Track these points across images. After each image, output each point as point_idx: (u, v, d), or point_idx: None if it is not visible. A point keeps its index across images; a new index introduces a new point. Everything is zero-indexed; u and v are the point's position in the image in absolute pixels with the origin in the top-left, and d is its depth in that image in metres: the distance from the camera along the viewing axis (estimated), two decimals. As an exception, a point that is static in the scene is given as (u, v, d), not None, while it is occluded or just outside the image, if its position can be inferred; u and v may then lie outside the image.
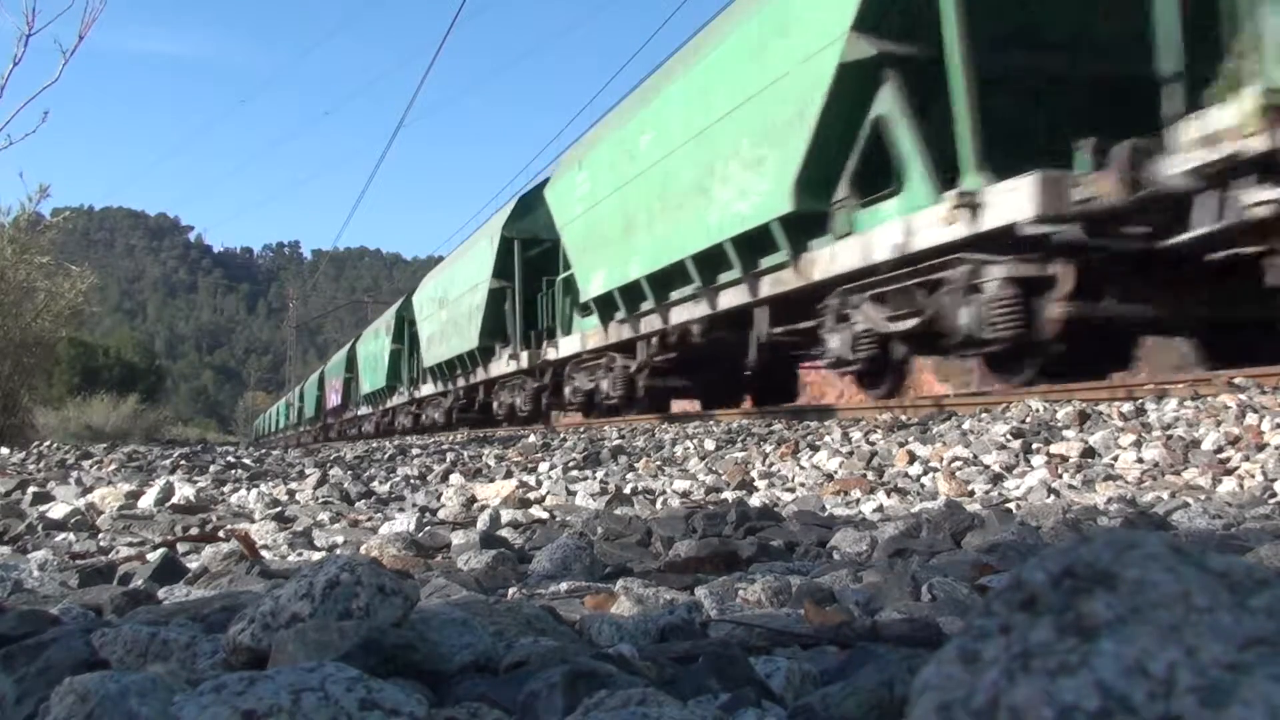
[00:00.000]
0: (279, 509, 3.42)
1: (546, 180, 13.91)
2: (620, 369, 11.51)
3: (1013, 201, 5.33)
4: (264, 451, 10.12)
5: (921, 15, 6.06)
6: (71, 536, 2.71)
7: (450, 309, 17.84)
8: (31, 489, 4.01)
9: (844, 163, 6.95)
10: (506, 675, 0.95)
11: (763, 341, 8.39)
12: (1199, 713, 0.41)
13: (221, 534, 2.62)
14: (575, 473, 4.91)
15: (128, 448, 9.79)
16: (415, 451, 8.07)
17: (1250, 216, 4.48)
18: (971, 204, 5.61)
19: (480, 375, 16.52)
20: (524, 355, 14.20)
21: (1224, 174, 4.58)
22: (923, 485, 3.67)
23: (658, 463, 5.30)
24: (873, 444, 4.84)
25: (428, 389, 20.71)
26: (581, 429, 10.41)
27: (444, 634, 0.99)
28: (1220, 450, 3.57)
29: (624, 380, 11.41)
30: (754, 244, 8.03)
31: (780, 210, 7.37)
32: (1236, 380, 4.67)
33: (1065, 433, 4.30)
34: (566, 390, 13.09)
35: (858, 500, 3.37)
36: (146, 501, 3.56)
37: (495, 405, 16.22)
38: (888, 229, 6.43)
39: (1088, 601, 0.46)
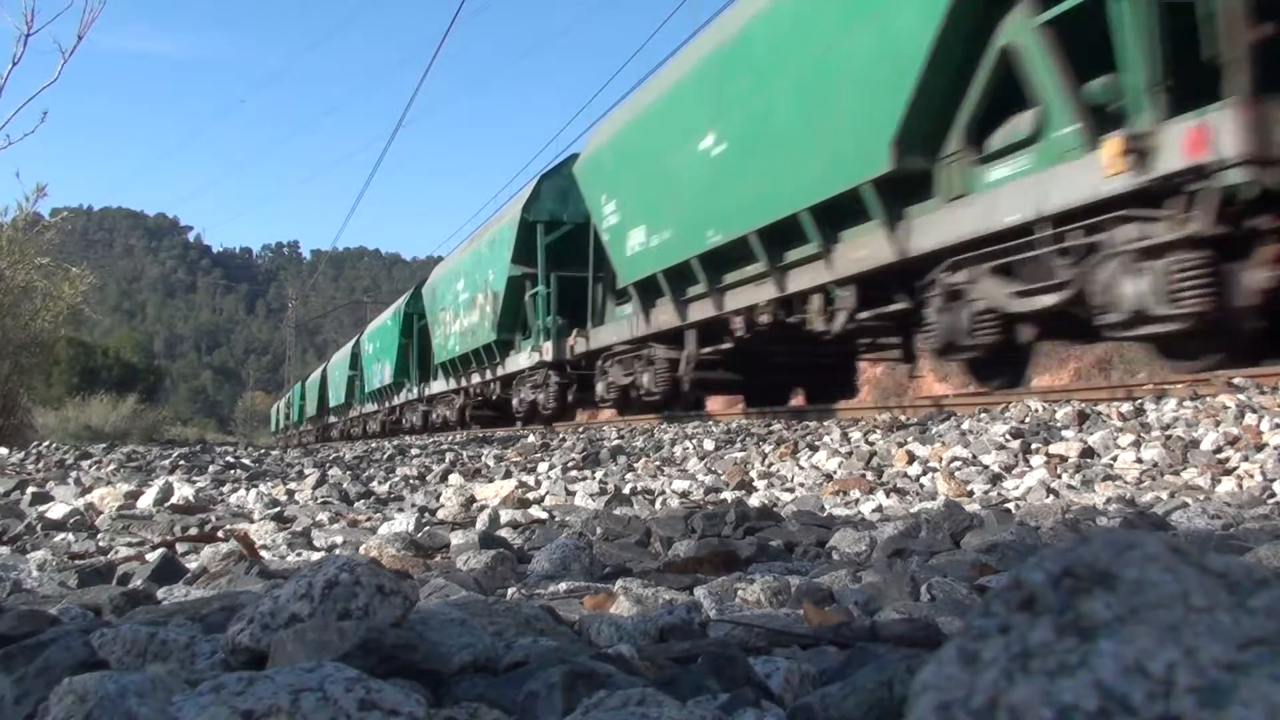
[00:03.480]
0: (278, 509, 3.42)
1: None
2: None
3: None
4: (263, 452, 10.12)
5: None
6: (70, 537, 2.71)
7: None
8: (30, 489, 4.00)
9: (956, 109, 5.71)
10: (506, 675, 0.95)
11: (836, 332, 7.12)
12: (1198, 713, 0.41)
13: (220, 534, 2.62)
14: (574, 473, 4.91)
15: (126, 448, 9.79)
16: (414, 452, 8.07)
17: None
18: (1141, 149, 4.46)
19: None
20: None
21: None
22: (922, 485, 3.67)
23: (657, 463, 5.30)
24: (872, 444, 4.85)
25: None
26: (580, 429, 10.37)
27: (443, 634, 0.99)
28: (1219, 450, 3.57)
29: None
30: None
31: (874, 171, 6.14)
32: (1235, 380, 4.67)
33: (1064, 433, 4.30)
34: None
35: (857, 500, 3.37)
36: (145, 502, 3.56)
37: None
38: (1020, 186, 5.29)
39: (1087, 602, 0.46)
